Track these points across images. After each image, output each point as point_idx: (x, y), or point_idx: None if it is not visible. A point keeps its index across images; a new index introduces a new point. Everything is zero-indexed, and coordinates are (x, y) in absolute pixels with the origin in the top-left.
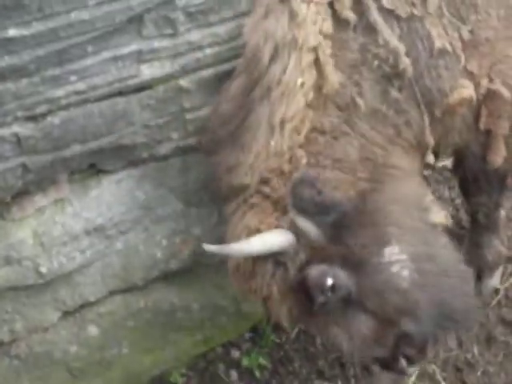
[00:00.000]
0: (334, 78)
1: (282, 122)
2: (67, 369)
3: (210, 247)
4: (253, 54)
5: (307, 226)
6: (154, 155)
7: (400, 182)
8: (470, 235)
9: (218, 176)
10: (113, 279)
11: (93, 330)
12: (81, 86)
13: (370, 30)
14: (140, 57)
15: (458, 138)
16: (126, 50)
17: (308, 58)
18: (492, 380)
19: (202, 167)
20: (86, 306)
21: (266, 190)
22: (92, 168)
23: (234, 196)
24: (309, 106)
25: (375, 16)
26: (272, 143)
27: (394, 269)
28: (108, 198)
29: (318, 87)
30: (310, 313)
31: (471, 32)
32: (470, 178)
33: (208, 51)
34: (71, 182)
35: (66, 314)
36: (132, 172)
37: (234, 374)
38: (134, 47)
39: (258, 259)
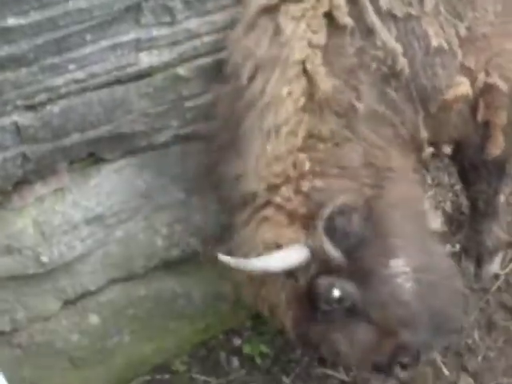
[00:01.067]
0: (325, 85)
1: (276, 127)
2: (69, 358)
3: (226, 258)
4: (234, 71)
5: (331, 248)
6: (153, 143)
7: (398, 185)
8: (470, 222)
9: (229, 185)
10: (113, 268)
11: (94, 319)
12: (80, 74)
13: (368, 32)
14: (138, 45)
15: (454, 131)
16: (124, 39)
17: (294, 70)
18: (492, 365)
19: (202, 155)
20: (86, 295)
21: (277, 199)
22: (91, 157)
23: (243, 205)
24: (302, 110)
25: (372, 18)
26: (268, 148)
27: (399, 280)
28: (107, 186)
29: (310, 94)
30: (313, 321)
31: (468, 28)
32: (470, 167)
33: (206, 39)
34: (71, 171)
35: (67, 303)
36: (131, 160)
37: (235, 362)
38: (132, 35)
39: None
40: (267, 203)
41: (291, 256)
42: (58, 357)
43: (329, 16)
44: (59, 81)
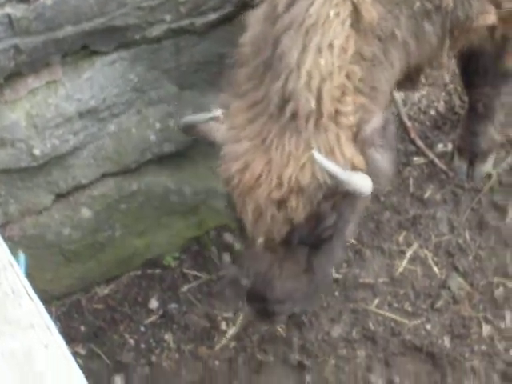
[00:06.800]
0: (370, 14)
1: (329, 43)
2: (61, 251)
3: (325, 162)
4: None
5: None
6: (146, 37)
7: None
8: (466, 123)
9: (278, 103)
10: (106, 162)
11: (86, 213)
12: None
13: None
14: None
15: (467, 45)
16: None
17: None
18: (483, 265)
19: (195, 49)
20: (79, 188)
21: (342, 110)
22: (85, 49)
23: (302, 121)
24: (351, 27)
25: None
26: (322, 62)
27: None
28: (101, 79)
29: (356, 17)
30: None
31: None
32: (481, 72)
33: None
34: (64, 64)
35: (59, 196)
36: (124, 54)
37: (226, 258)
38: None
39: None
40: (333, 118)
41: (367, 185)
42: (49, 250)
43: None
44: None
